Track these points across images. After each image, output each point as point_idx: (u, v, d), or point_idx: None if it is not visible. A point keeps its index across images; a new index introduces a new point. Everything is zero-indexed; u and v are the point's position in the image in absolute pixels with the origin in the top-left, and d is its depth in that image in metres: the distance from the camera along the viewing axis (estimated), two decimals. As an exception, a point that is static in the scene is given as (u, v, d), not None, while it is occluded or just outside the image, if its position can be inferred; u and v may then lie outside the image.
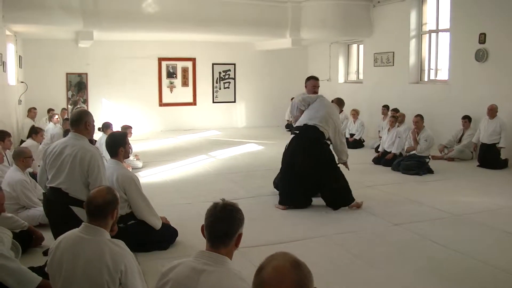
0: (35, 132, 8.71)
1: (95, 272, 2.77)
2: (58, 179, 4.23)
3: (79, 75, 15.01)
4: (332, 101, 7.15)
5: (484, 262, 4.76)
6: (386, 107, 12.27)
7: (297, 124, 6.79)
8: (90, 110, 14.57)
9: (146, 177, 8.86)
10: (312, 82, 7.03)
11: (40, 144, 8.90)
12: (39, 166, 5.13)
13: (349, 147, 12.11)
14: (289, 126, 16.04)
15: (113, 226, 3.16)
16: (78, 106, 14.72)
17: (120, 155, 5.02)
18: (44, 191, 4.52)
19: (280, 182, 6.97)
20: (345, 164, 7.05)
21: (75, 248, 2.85)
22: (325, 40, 15.74)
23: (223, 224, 2.38)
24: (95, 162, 4.21)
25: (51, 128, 11.11)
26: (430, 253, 5.04)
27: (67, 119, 12.21)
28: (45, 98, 13.96)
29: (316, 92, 6.98)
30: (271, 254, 1.76)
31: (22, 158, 5.90)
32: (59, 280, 2.84)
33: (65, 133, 8.66)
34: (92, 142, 9.46)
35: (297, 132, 6.72)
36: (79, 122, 4.35)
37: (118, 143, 5.01)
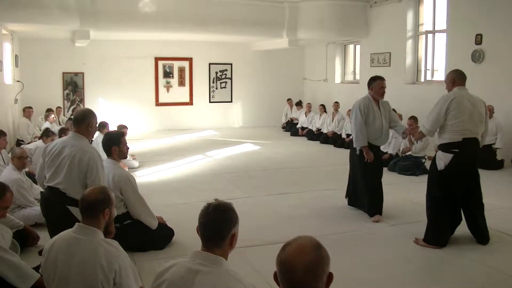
0: (46, 135, 8.61)
1: (90, 272, 2.76)
2: (56, 179, 4.22)
3: (76, 74, 14.97)
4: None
5: (481, 262, 4.78)
6: None
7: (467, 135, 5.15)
8: (87, 109, 14.60)
9: (143, 176, 8.85)
10: (380, 83, 6.25)
11: None
12: None
13: (345, 147, 12.34)
14: (285, 127, 16.06)
15: (110, 228, 3.13)
16: (75, 105, 14.70)
17: (115, 154, 5.01)
18: (42, 190, 4.51)
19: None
20: None
21: (69, 248, 2.84)
22: (322, 41, 15.76)
23: (215, 224, 2.37)
24: (94, 164, 4.19)
25: (48, 127, 11.06)
26: (427, 253, 5.05)
27: (70, 118, 12.20)
28: (42, 97, 13.91)
29: (384, 94, 6.32)
30: (291, 239, 1.96)
31: (17, 158, 5.90)
32: (54, 280, 2.83)
33: (60, 132, 8.59)
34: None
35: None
36: (82, 122, 4.34)
37: (112, 142, 5.01)
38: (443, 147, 5.18)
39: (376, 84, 6.25)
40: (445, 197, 5.18)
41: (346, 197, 6.90)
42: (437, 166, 5.21)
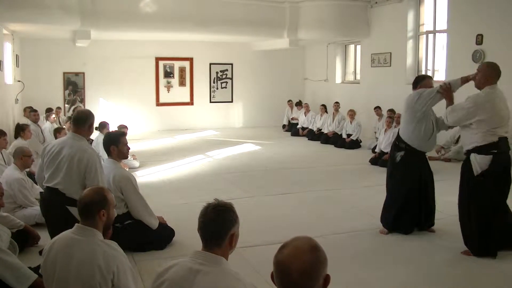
0: (22, 129, 8.51)
1: (88, 274, 2.76)
2: (55, 179, 4.22)
3: (77, 74, 14.98)
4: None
5: (481, 263, 4.77)
6: (378, 108, 12.29)
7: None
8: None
9: (143, 176, 8.85)
10: (429, 82, 5.59)
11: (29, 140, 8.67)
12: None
13: (346, 147, 12.34)
14: (285, 126, 16.05)
15: (107, 230, 3.10)
16: (76, 105, 14.71)
17: (113, 154, 5.02)
18: (41, 190, 4.51)
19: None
20: None
21: (68, 249, 2.84)
22: (322, 41, 15.75)
23: (213, 225, 2.37)
24: (93, 164, 4.21)
25: (49, 127, 11.08)
26: (428, 253, 5.04)
27: (70, 117, 12.15)
28: (42, 97, 13.92)
29: None
30: (292, 238, 1.95)
31: (21, 156, 5.90)
32: (53, 281, 2.83)
33: (55, 131, 8.48)
34: (89, 141, 9.48)
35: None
36: (85, 122, 4.37)
37: (111, 142, 5.03)
38: (479, 150, 4.83)
39: (425, 84, 5.54)
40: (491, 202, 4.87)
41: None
42: (474, 171, 4.84)
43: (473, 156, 4.88)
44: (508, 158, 4.96)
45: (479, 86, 5.07)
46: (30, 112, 10.67)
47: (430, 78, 5.74)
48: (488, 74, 4.99)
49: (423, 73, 12.55)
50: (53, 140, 4.73)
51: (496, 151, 4.80)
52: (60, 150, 4.25)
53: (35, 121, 10.33)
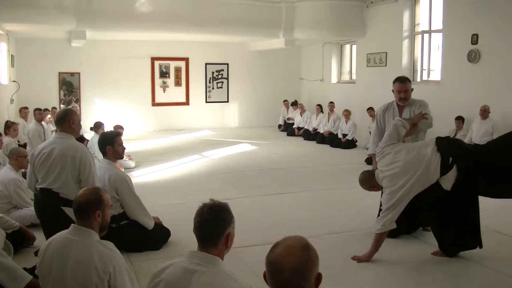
0: (8, 127, 8.45)
1: (84, 274, 2.75)
2: (48, 179, 4.22)
3: (72, 74, 14.95)
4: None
5: (479, 263, 4.77)
6: (371, 109, 12.30)
7: None
8: (83, 109, 14.66)
9: (139, 177, 8.84)
10: (396, 86, 5.50)
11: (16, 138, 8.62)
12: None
13: (341, 147, 12.36)
14: (281, 126, 16.05)
15: (103, 231, 3.06)
16: (71, 106, 14.67)
17: (109, 154, 5.00)
18: (35, 192, 4.49)
19: None
20: None
21: (64, 250, 2.83)
22: (318, 41, 15.77)
23: (209, 225, 2.37)
24: (86, 159, 4.26)
25: (45, 127, 11.03)
26: (426, 253, 5.04)
27: (46, 109, 12.10)
28: (38, 97, 13.86)
29: (403, 99, 5.47)
30: (282, 238, 1.98)
31: (16, 157, 5.88)
32: (49, 282, 2.82)
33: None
34: (84, 141, 9.46)
35: None
36: (64, 120, 4.38)
37: (106, 141, 5.02)
38: None
39: (394, 87, 5.50)
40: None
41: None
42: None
43: None
44: None
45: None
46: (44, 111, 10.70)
47: (400, 81, 5.63)
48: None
49: (419, 72, 12.62)
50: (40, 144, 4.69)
51: None
52: (51, 150, 4.25)
53: (40, 120, 10.31)
